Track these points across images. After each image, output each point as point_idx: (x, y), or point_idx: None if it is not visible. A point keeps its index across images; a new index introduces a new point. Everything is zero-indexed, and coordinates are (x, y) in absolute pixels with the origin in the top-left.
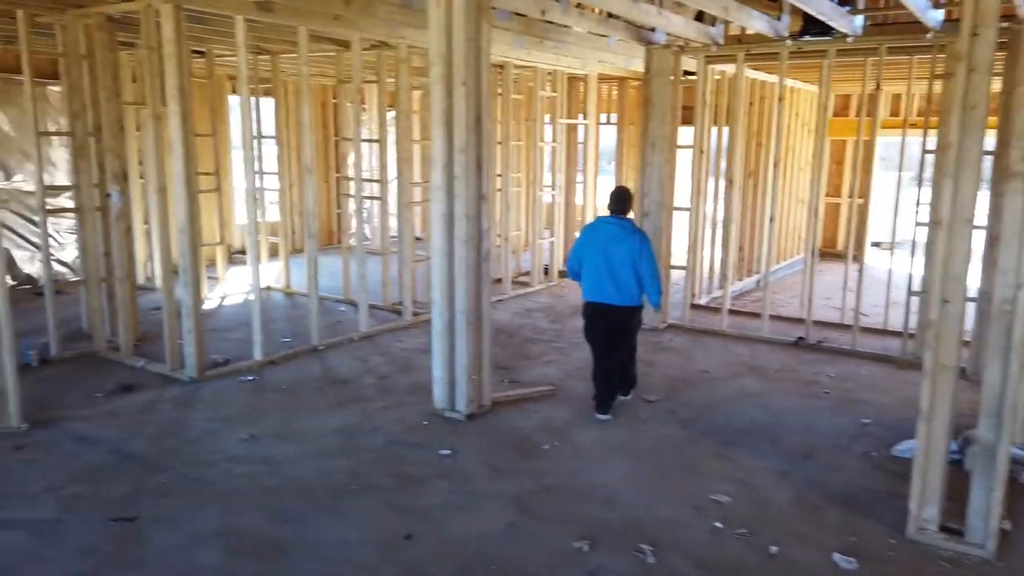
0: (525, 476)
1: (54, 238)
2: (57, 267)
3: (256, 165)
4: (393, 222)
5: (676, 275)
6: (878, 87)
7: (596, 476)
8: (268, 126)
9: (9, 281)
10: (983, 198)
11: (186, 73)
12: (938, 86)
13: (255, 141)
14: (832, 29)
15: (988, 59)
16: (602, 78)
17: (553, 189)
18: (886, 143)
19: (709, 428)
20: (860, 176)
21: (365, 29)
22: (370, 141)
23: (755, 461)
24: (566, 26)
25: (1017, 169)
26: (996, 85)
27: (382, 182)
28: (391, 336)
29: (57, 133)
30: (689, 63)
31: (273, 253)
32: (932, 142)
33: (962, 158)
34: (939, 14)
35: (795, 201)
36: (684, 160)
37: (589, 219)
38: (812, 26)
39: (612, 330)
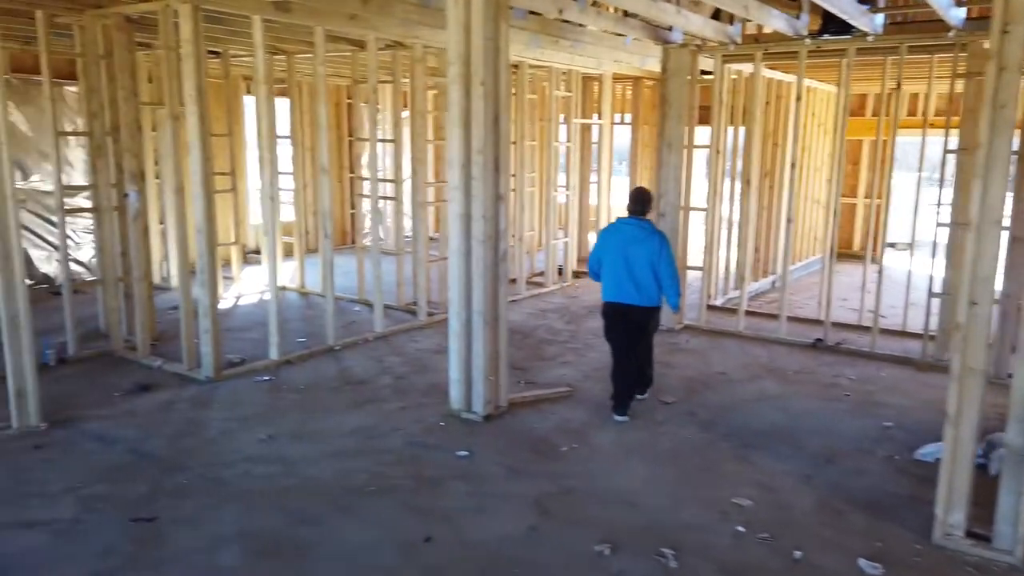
0: (544, 478)
1: (70, 238)
2: (73, 267)
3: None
4: (407, 222)
5: (692, 276)
6: (898, 86)
7: (615, 478)
8: (282, 126)
9: (26, 280)
10: (1007, 199)
11: (203, 73)
12: (959, 85)
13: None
14: (852, 27)
15: (1019, 57)
16: (616, 78)
17: (567, 189)
18: (901, 143)
19: (728, 430)
20: (879, 176)
21: (381, 29)
22: (385, 141)
23: (776, 464)
24: (582, 25)
25: None
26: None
27: (397, 182)
28: (406, 336)
29: (76, 133)
30: (706, 62)
31: (287, 253)
32: (953, 142)
33: (992, 158)
34: (961, 12)
35: (811, 202)
36: (700, 160)
37: (603, 219)
38: (831, 25)
39: (631, 329)
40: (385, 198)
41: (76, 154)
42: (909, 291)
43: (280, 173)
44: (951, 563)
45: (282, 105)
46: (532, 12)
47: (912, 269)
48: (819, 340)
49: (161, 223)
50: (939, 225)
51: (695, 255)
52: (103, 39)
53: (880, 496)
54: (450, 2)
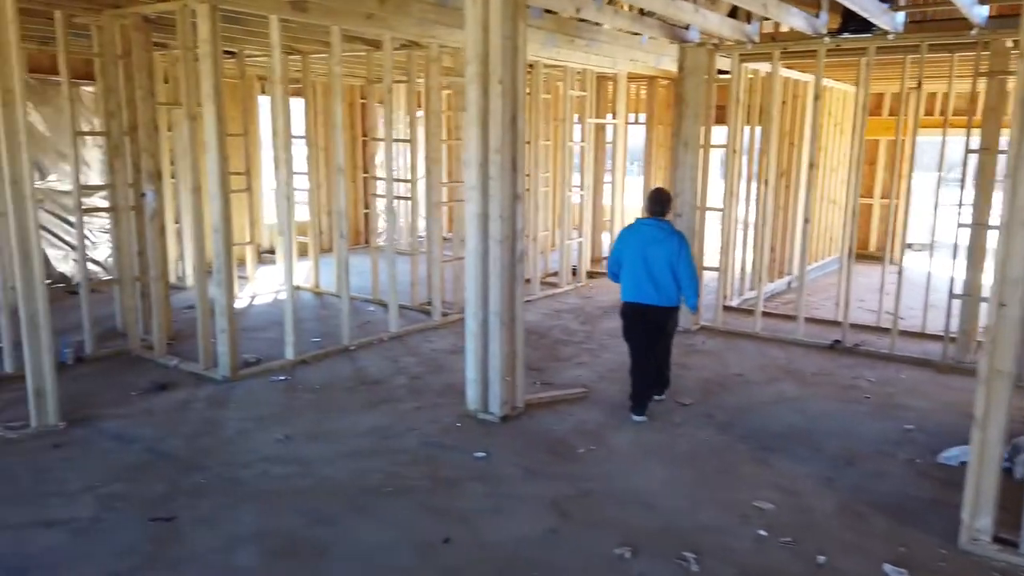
0: (561, 479)
1: (87, 237)
2: (90, 266)
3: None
4: (422, 222)
5: (708, 276)
6: (919, 85)
7: (634, 480)
8: (297, 126)
9: (44, 280)
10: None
11: (220, 73)
12: (981, 84)
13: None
14: (872, 26)
15: None
16: (631, 77)
17: (581, 189)
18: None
19: (746, 432)
20: (899, 177)
21: (397, 28)
22: (399, 141)
23: (796, 467)
24: (598, 24)
25: None
26: None
27: (411, 182)
28: (420, 336)
29: (93, 133)
30: (722, 61)
31: (302, 253)
32: (975, 142)
33: (1021, 157)
34: (984, 10)
35: (827, 202)
36: (715, 160)
37: (616, 219)
38: (852, 23)
39: (650, 330)
40: (399, 198)
41: (93, 154)
42: (928, 292)
43: (295, 173)
44: (978, 569)
45: (297, 105)
46: (548, 11)
47: (931, 270)
48: (837, 341)
49: (176, 222)
50: (960, 226)
51: (711, 255)
52: (121, 39)
53: (903, 500)
54: (468, 1)
